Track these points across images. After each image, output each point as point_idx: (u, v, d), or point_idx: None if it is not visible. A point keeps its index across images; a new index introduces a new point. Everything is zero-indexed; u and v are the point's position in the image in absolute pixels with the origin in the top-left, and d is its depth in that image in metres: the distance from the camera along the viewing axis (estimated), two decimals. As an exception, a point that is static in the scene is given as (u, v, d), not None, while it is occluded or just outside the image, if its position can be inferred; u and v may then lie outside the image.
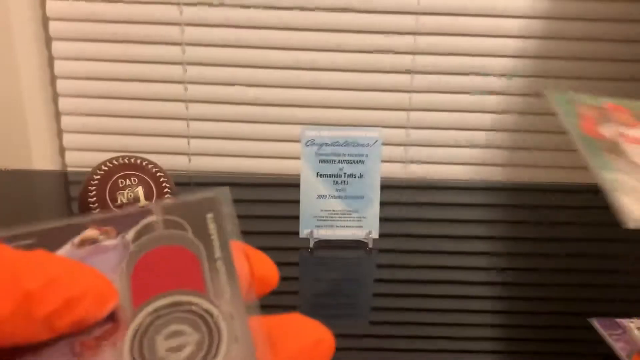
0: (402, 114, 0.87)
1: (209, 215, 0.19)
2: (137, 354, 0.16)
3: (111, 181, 0.53)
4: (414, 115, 0.87)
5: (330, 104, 0.86)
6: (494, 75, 0.85)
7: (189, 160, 0.89)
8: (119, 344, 0.17)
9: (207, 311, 0.17)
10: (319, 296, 0.56)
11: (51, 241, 0.18)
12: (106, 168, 0.54)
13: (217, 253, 0.18)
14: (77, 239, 0.18)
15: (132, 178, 0.53)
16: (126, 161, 0.55)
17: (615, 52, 0.83)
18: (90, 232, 0.19)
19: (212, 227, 0.19)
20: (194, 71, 0.85)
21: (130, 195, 0.53)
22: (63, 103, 0.86)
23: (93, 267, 0.17)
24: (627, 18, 0.81)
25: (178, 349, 0.17)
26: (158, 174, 0.55)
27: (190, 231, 0.19)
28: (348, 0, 0.81)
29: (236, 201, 0.20)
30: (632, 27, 0.82)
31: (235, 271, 0.18)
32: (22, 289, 0.15)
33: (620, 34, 0.82)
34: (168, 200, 0.19)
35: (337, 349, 0.18)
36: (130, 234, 0.19)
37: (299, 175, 0.63)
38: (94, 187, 0.53)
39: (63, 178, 0.87)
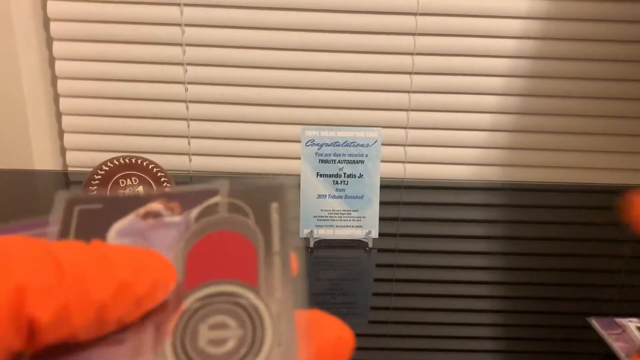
0: (402, 114, 0.87)
1: (274, 205, 0.19)
2: (179, 340, 0.16)
3: (112, 181, 0.53)
4: (414, 115, 0.87)
5: (330, 104, 0.86)
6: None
7: (190, 160, 0.90)
8: (163, 325, 0.17)
9: (255, 308, 0.17)
10: (319, 296, 0.57)
11: (117, 209, 0.18)
12: (107, 168, 0.54)
13: (276, 247, 0.18)
14: (141, 211, 0.18)
15: (132, 178, 0.54)
16: (127, 161, 0.55)
17: (616, 52, 0.83)
18: (156, 206, 0.19)
19: (274, 218, 0.18)
20: (194, 72, 0.85)
21: (131, 195, 0.53)
22: (64, 103, 0.86)
23: (153, 244, 0.17)
24: (627, 19, 0.81)
25: (220, 342, 0.16)
26: (159, 173, 0.55)
27: (252, 218, 0.18)
28: (348, 0, 0.81)
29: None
30: (633, 28, 0.82)
31: (290, 269, 0.18)
32: (94, 301, 0.15)
33: (620, 35, 0.82)
34: (236, 182, 0.19)
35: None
36: (193, 213, 0.19)
37: (299, 175, 0.64)
38: (95, 187, 0.53)
39: (64, 178, 0.88)
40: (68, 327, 0.15)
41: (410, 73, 0.85)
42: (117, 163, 0.55)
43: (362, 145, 0.63)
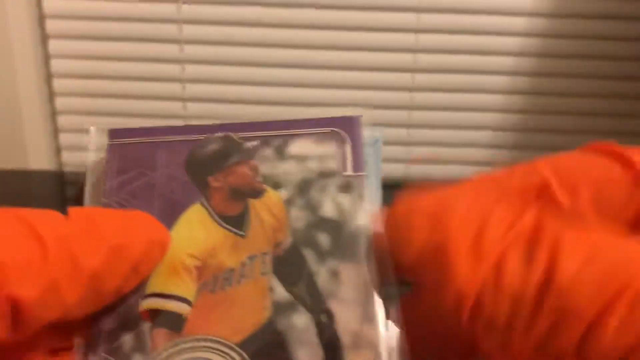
0: (403, 112, 0.86)
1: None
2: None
3: (107, 181, 0.52)
4: (415, 114, 0.86)
5: (331, 102, 0.85)
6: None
7: (188, 159, 0.89)
8: None
9: None
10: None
11: None
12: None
13: None
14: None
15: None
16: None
17: (623, 50, 0.82)
18: None
19: None
20: (192, 70, 0.84)
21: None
22: (60, 102, 0.86)
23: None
24: (633, 15, 0.80)
25: None
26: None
27: None
28: (349, -3, 0.80)
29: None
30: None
31: None
32: (85, 270, 0.13)
33: (628, 33, 0.81)
34: None
35: None
36: None
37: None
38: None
39: (60, 178, 0.87)
40: (59, 303, 0.13)
41: (412, 71, 0.84)
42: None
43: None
